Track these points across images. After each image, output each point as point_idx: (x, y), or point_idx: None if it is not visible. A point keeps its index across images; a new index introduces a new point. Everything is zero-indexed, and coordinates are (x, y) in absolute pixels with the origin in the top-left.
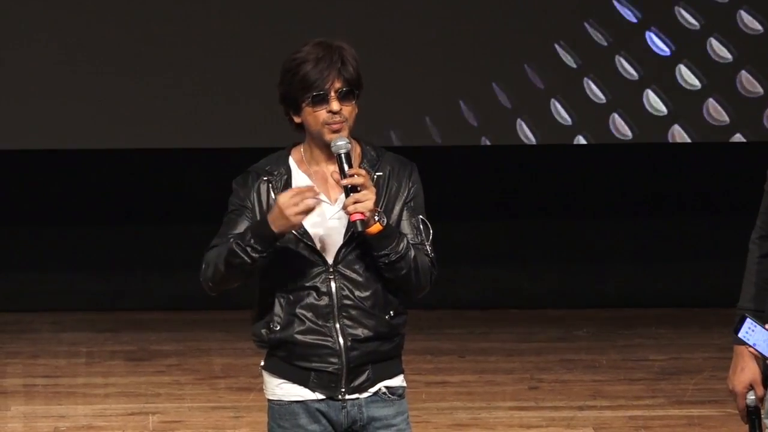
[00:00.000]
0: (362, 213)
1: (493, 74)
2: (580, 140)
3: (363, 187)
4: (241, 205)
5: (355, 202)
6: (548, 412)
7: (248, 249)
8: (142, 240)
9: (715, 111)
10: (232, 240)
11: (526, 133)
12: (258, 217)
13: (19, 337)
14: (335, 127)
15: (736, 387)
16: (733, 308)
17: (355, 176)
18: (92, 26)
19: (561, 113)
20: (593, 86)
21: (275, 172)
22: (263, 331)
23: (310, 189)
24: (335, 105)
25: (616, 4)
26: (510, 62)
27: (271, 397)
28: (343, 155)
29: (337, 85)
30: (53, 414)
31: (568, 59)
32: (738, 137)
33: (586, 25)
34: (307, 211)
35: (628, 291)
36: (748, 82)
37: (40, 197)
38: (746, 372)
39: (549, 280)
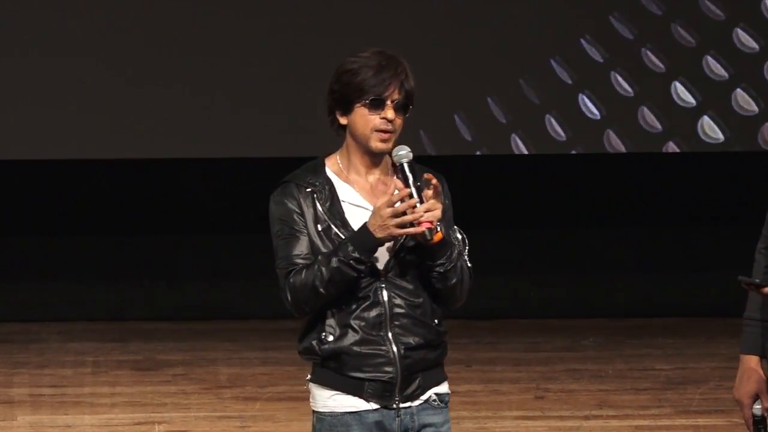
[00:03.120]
0: (431, 222)
1: (488, 88)
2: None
3: (436, 194)
4: (294, 220)
5: (426, 211)
6: (554, 421)
7: (352, 262)
8: (149, 250)
9: (710, 128)
10: (330, 259)
11: (524, 146)
12: (311, 229)
13: (26, 347)
14: (384, 136)
15: (742, 397)
16: (740, 318)
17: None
18: (100, 36)
19: (555, 128)
20: (587, 101)
21: (317, 183)
22: (314, 342)
23: (409, 202)
24: (390, 113)
25: (612, 20)
26: (506, 77)
27: (322, 410)
28: (405, 164)
29: (396, 95)
30: (60, 424)
31: (564, 74)
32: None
33: (583, 41)
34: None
35: (635, 301)
36: (743, 99)
37: (48, 208)
38: (752, 381)
39: (556, 290)
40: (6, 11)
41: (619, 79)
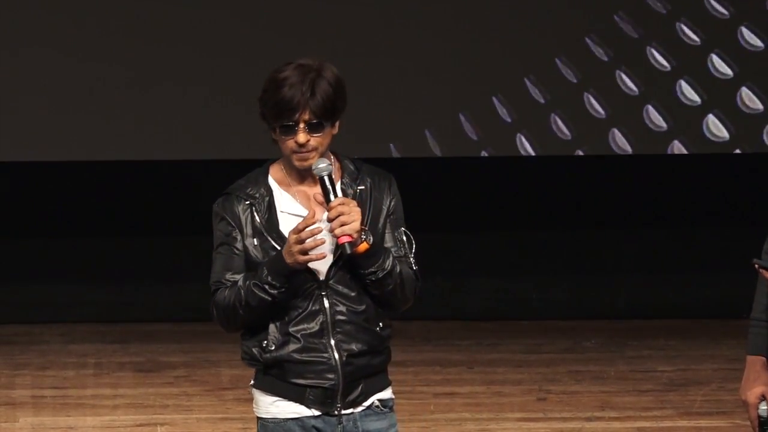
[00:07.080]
0: (349, 235)
1: (493, 88)
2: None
3: (348, 209)
4: (231, 236)
5: (342, 225)
6: (556, 423)
7: (266, 287)
8: (151, 251)
9: (715, 127)
10: (247, 282)
11: (526, 147)
12: (245, 244)
13: (28, 349)
14: (302, 156)
15: (749, 397)
16: (742, 319)
17: (337, 207)
18: (102, 37)
19: (561, 127)
20: (593, 100)
21: (257, 195)
22: (255, 350)
23: (311, 229)
24: (302, 137)
25: (617, 19)
26: (511, 76)
27: (264, 416)
28: (325, 177)
29: (306, 117)
30: (62, 425)
31: (569, 73)
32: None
33: (588, 40)
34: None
35: (637, 302)
36: (748, 98)
37: (49, 209)
38: (759, 382)
39: (558, 292)
40: (2, 10)
41: (624, 77)
